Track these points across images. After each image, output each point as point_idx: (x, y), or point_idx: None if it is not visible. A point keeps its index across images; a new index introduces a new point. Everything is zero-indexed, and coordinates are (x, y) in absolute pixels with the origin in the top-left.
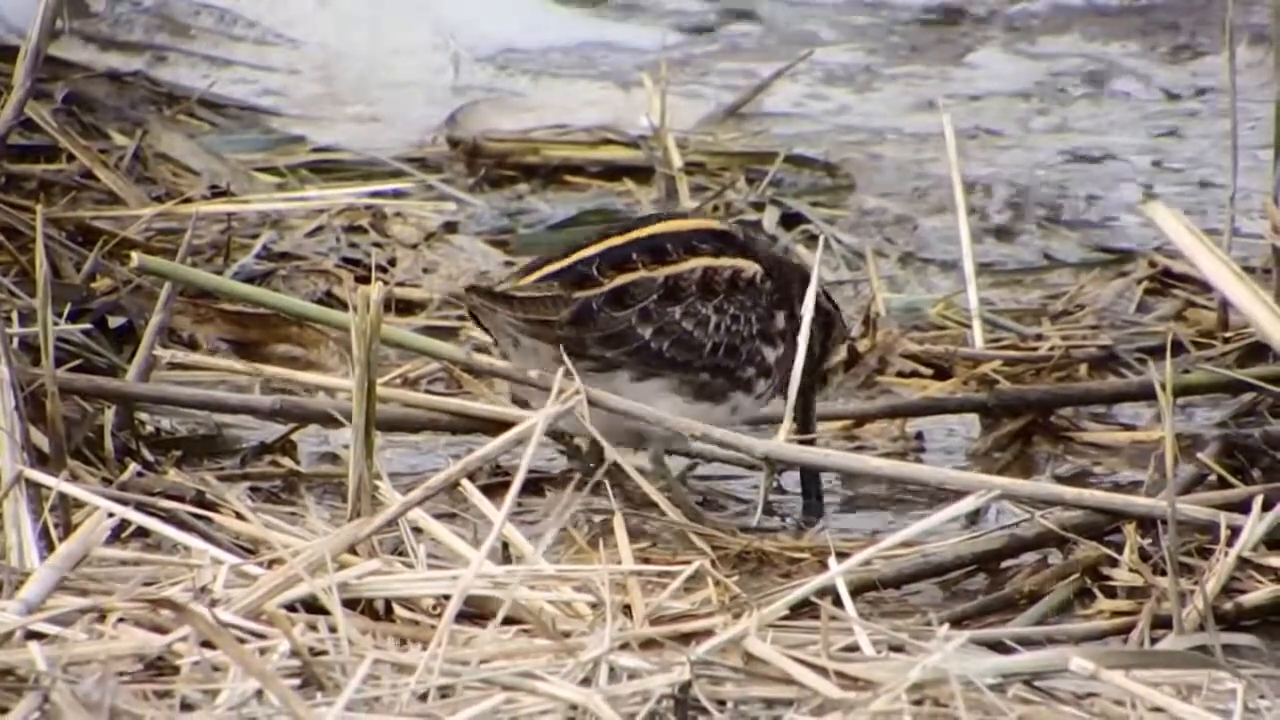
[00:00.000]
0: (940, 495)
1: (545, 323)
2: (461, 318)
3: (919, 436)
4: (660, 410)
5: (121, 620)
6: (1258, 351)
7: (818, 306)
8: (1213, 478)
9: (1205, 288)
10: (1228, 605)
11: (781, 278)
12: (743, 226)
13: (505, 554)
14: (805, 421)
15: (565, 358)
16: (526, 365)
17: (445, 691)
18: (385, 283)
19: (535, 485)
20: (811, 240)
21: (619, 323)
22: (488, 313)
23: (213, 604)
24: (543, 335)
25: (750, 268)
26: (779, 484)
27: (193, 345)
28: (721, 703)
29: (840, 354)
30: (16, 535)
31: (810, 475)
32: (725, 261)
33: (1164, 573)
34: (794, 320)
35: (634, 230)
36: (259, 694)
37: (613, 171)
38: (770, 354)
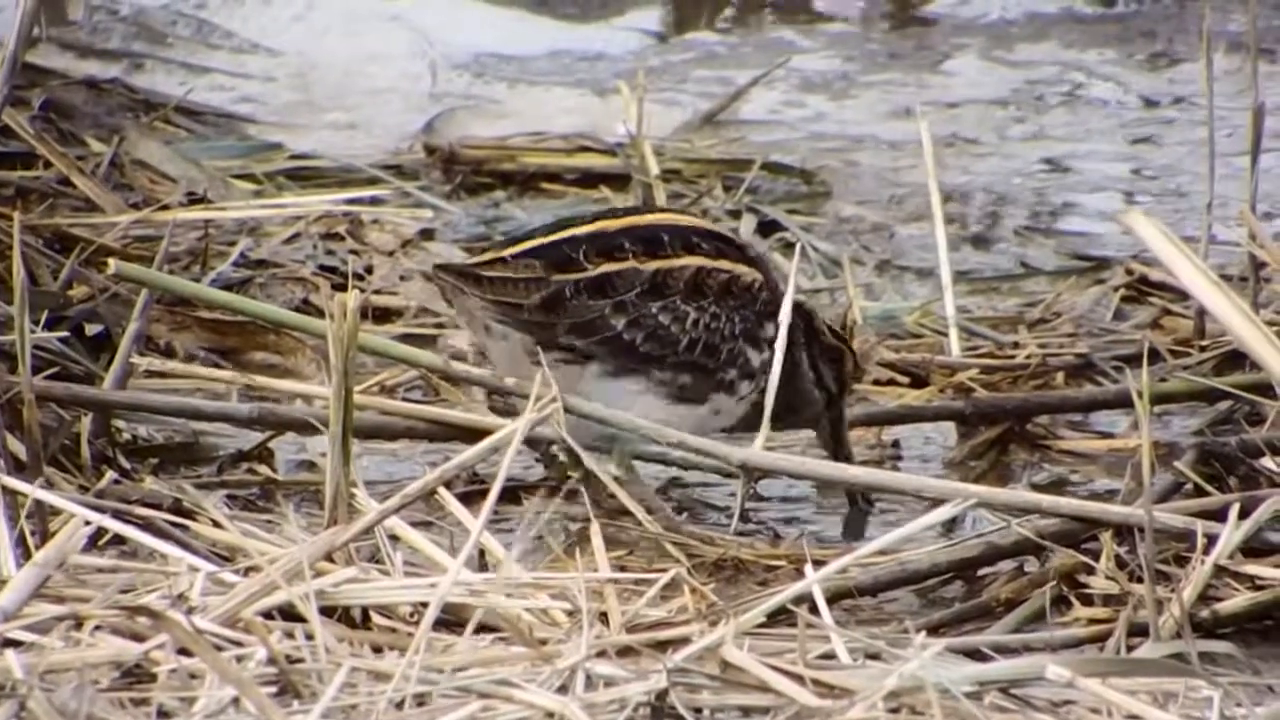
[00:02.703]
0: (917, 503)
1: (514, 305)
2: (440, 325)
3: (896, 444)
4: (636, 413)
5: (98, 628)
6: (1234, 359)
7: (828, 344)
8: (1189, 486)
9: (1182, 295)
10: (1204, 613)
11: (778, 297)
12: (749, 247)
13: (482, 562)
14: (846, 456)
15: (536, 346)
16: (498, 351)
17: (422, 699)
18: (362, 290)
19: (512, 493)
20: (788, 248)
21: (591, 311)
22: (456, 294)
23: (189, 612)
24: (510, 318)
25: (750, 274)
26: (755, 491)
27: (170, 353)
28: (698, 710)
29: (854, 383)
30: None
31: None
32: (724, 265)
33: (1140, 580)
34: (793, 361)
35: (630, 216)
36: (236, 701)
37: (589, 179)
38: (755, 357)
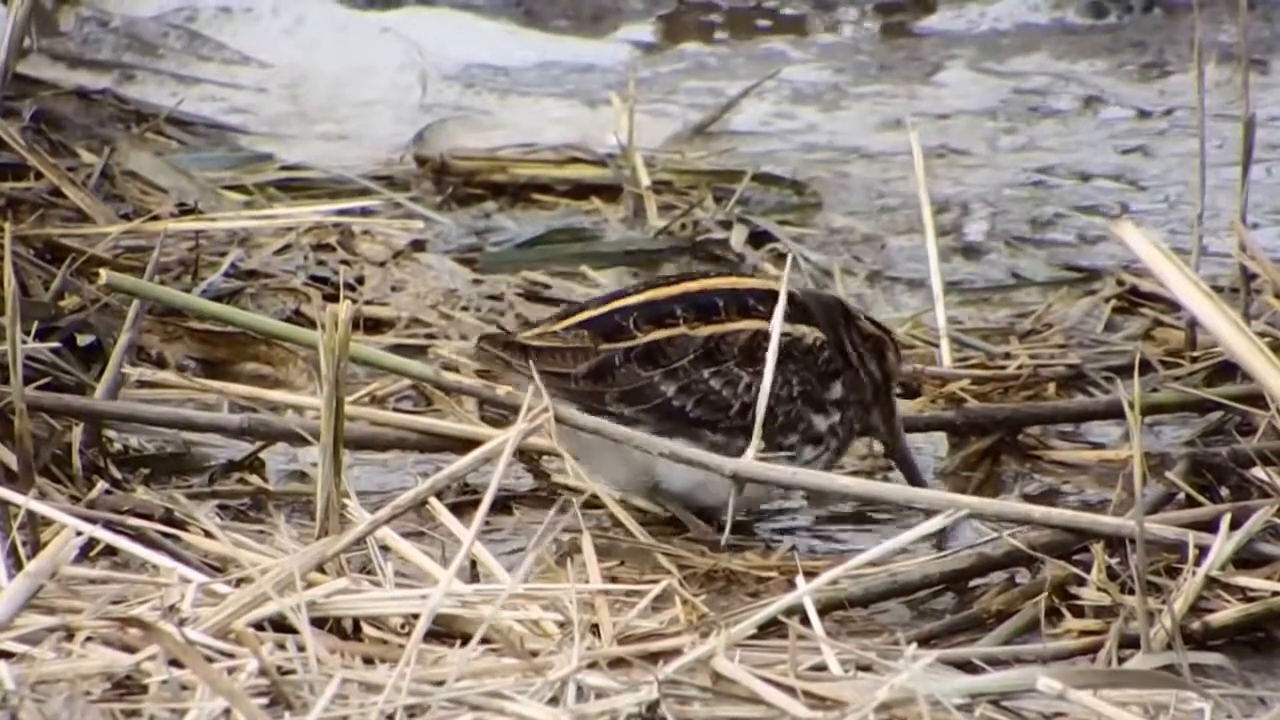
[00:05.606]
0: (908, 514)
1: (561, 375)
2: (430, 335)
3: None
4: (685, 472)
5: (89, 639)
6: (1226, 370)
7: (867, 332)
8: (1181, 497)
9: (1173, 306)
10: (1195, 625)
11: (835, 337)
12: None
13: (474, 573)
14: (903, 451)
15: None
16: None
17: (413, 711)
18: (353, 301)
19: (504, 504)
20: (779, 258)
21: (640, 379)
22: (503, 367)
23: (181, 623)
24: (558, 389)
25: (811, 334)
26: None
27: (161, 363)
28: None
29: (899, 373)
30: None
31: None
32: (783, 327)
33: (1132, 592)
34: (849, 366)
35: (682, 283)
36: (227, 713)
37: (580, 190)
38: (820, 421)
